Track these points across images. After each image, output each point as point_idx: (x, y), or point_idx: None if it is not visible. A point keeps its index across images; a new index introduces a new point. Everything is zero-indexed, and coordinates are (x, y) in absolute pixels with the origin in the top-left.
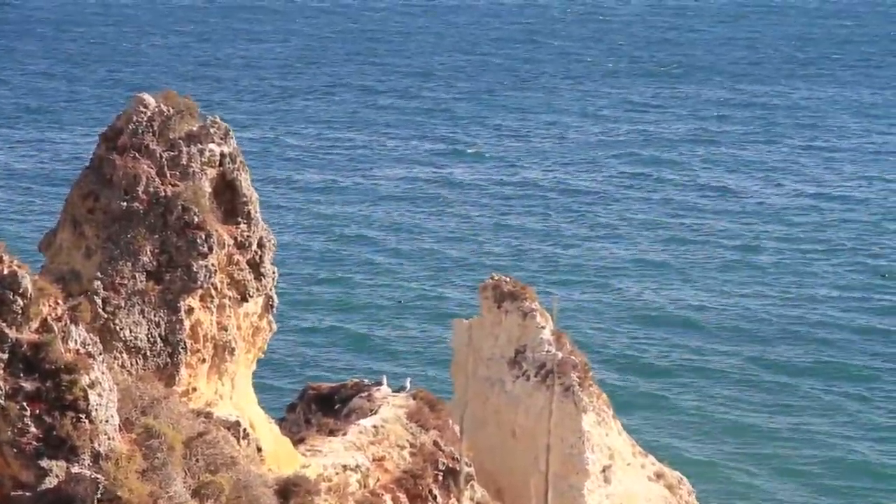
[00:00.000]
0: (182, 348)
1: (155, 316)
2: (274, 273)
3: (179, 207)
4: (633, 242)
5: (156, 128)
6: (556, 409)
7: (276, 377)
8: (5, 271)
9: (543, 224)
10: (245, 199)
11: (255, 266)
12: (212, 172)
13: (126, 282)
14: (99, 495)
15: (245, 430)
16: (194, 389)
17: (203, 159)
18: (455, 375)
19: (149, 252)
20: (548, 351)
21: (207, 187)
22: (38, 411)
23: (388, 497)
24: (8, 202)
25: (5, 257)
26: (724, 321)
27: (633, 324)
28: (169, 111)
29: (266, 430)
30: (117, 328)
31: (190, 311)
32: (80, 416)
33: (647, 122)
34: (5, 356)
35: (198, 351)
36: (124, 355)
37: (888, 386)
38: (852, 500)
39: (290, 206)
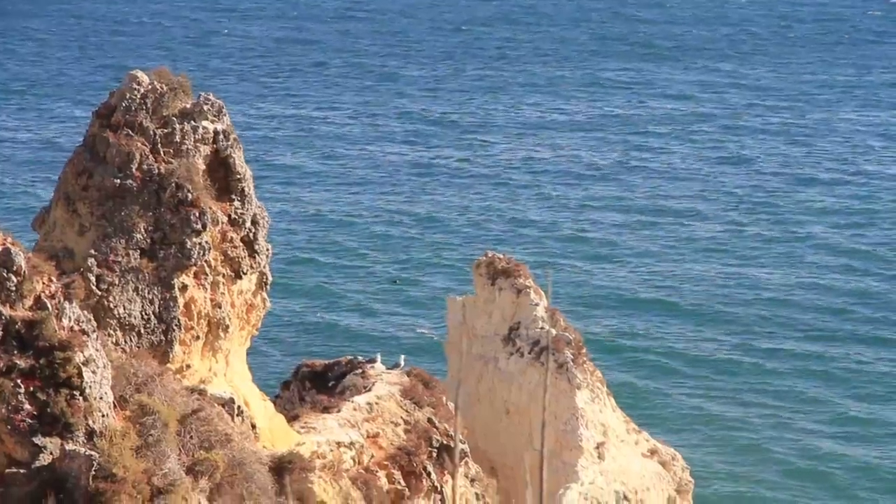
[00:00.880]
0: (176, 325)
1: (149, 293)
2: (268, 250)
3: (173, 185)
4: (625, 222)
5: (149, 105)
6: (550, 385)
7: (270, 354)
8: None
9: (536, 203)
10: (239, 176)
11: (249, 243)
12: (205, 149)
13: (120, 259)
14: (93, 472)
15: (239, 407)
16: (188, 367)
17: (197, 136)
18: (449, 353)
19: (143, 229)
20: (542, 328)
21: (201, 164)
22: (32, 388)
23: (382, 474)
24: (0, 180)
25: None
26: (711, 302)
27: (621, 303)
28: (162, 88)
29: (260, 408)
30: (111, 305)
31: (184, 288)
32: (75, 393)
33: (637, 102)
34: None
35: (192, 328)
36: (118, 332)
37: (877, 370)
38: (835, 483)
39: (282, 184)
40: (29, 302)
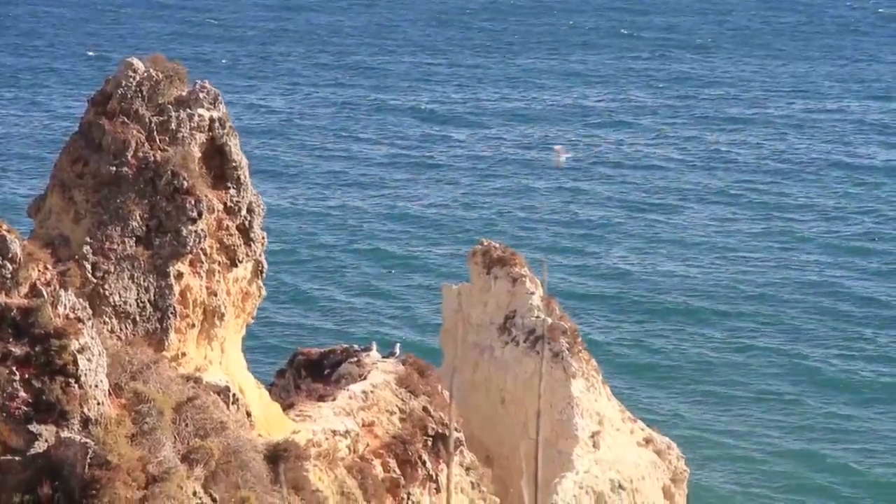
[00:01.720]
0: (171, 313)
1: (144, 281)
2: (263, 238)
3: (169, 172)
4: (618, 210)
5: (145, 92)
6: (545, 374)
7: (265, 342)
8: None
9: (532, 190)
10: (234, 164)
11: (244, 231)
12: (201, 137)
13: (115, 247)
14: (88, 460)
15: (234, 395)
16: (184, 354)
17: (192, 124)
18: (444, 342)
19: (138, 217)
20: (537, 317)
21: (197, 152)
22: (27, 376)
23: (377, 462)
24: None
25: None
26: (708, 288)
27: (618, 293)
28: (158, 76)
29: (255, 396)
30: (107, 293)
31: (179, 276)
32: (70, 380)
33: (630, 89)
34: None
35: (187, 316)
36: (114, 320)
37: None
38: (834, 467)
39: (278, 172)
40: (24, 289)
